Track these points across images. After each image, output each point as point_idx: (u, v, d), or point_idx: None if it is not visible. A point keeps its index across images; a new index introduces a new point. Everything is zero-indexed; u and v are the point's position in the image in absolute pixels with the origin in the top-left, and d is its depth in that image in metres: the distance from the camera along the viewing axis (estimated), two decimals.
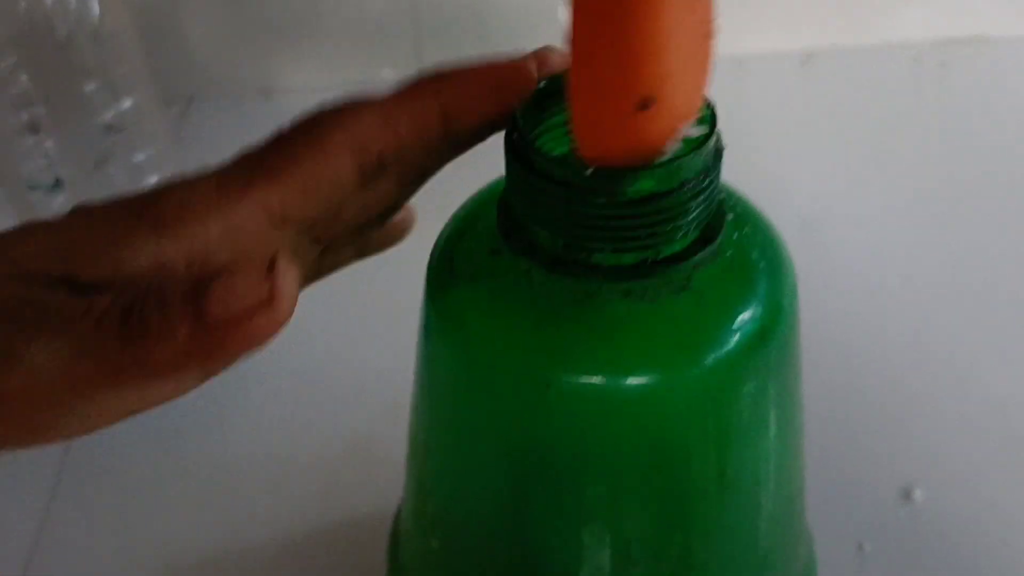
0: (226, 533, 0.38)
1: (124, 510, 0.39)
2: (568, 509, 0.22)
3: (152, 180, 0.39)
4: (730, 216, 0.22)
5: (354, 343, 0.44)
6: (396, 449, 0.39)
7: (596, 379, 0.20)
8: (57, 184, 0.37)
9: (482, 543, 0.24)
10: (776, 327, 0.22)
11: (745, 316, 0.21)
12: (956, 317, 0.44)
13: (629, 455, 0.21)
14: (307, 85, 0.61)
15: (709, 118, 0.21)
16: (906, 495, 0.36)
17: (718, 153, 0.21)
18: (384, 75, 0.61)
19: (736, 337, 0.21)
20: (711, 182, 0.21)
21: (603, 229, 0.20)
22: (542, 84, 0.21)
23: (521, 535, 0.23)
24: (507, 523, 0.23)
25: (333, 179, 0.20)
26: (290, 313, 0.18)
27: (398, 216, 0.24)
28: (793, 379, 0.23)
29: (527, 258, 0.21)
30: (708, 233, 0.21)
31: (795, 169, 0.53)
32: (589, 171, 0.19)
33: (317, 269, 0.24)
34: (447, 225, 0.24)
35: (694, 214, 0.21)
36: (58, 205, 0.38)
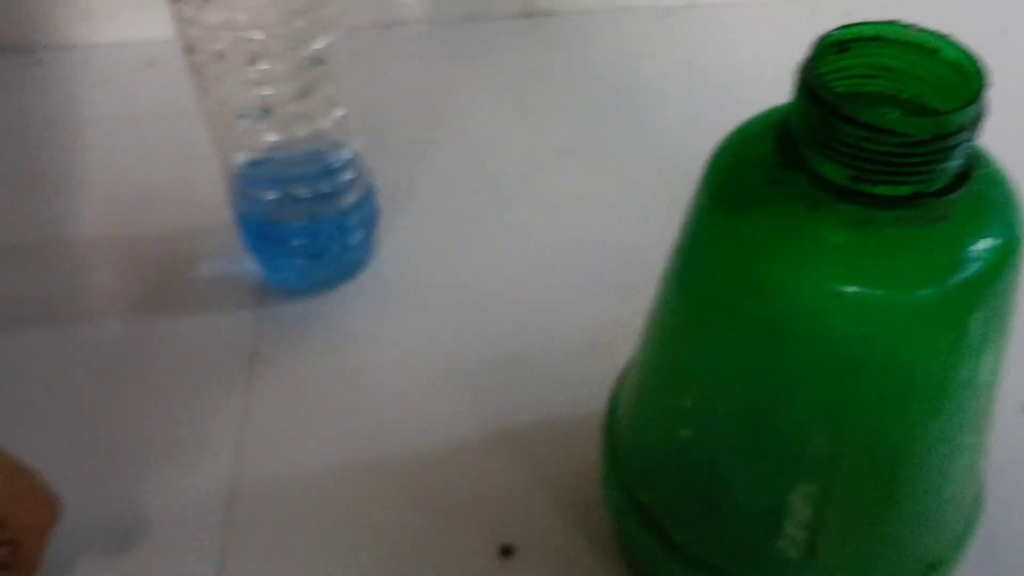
0: (390, 439, 0.42)
1: (308, 411, 0.42)
2: (829, 402, 0.26)
3: (338, 113, 0.42)
4: None
5: (502, 264, 0.48)
6: (547, 364, 0.43)
7: (874, 292, 0.24)
8: (265, 112, 0.40)
9: (739, 434, 0.28)
10: (1012, 256, 0.26)
11: (990, 244, 0.25)
12: None
13: (892, 359, 0.25)
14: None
15: (980, 75, 0.24)
16: None
17: (986, 104, 0.24)
18: None
19: (983, 262, 0.25)
20: (977, 128, 0.24)
21: (891, 164, 0.24)
22: (835, 31, 0.25)
23: (779, 428, 0.27)
24: (768, 417, 0.27)
25: None
26: None
27: None
28: (1013, 310, 0.27)
29: (816, 189, 0.24)
30: (964, 171, 0.25)
31: None
32: (890, 114, 0.23)
33: None
34: (718, 158, 0.27)
35: (961, 152, 0.24)
36: (263, 131, 0.41)
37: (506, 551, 0.37)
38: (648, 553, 0.32)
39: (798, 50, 0.26)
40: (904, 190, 0.24)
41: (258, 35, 0.37)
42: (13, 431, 0.43)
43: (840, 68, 0.26)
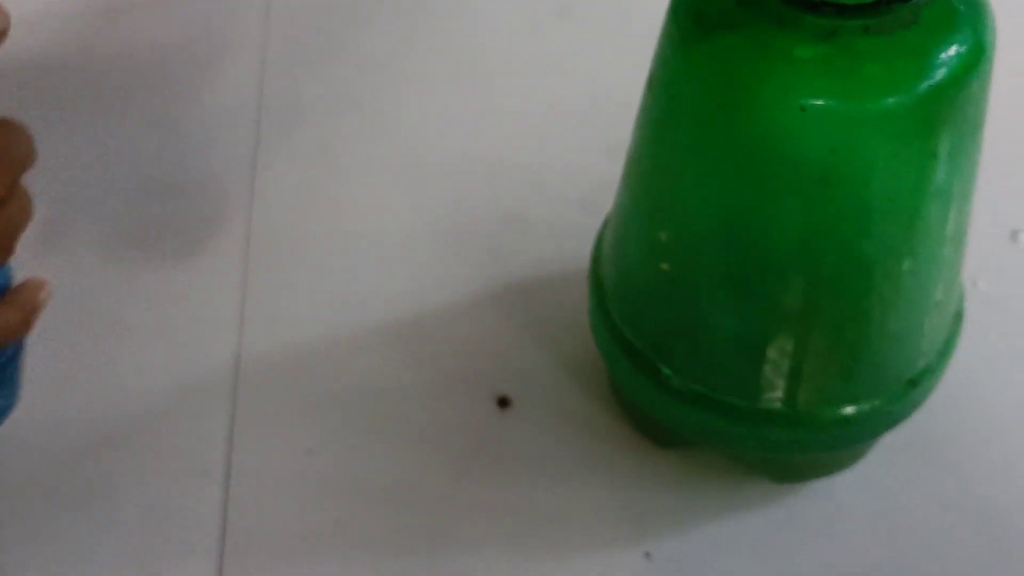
0: (386, 304, 0.42)
1: (304, 281, 0.43)
2: (806, 220, 0.27)
3: None
4: None
5: (497, 130, 0.48)
6: (539, 224, 0.44)
7: (842, 104, 0.24)
8: None
9: (716, 261, 0.29)
10: (980, 62, 0.26)
11: (958, 49, 0.25)
12: None
13: (864, 170, 0.26)
14: None
15: None
16: (1013, 237, 0.41)
17: None
18: None
19: (950, 69, 0.25)
20: None
21: None
22: None
23: (754, 252, 0.28)
24: (742, 240, 0.28)
25: None
26: None
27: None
28: (982, 120, 0.27)
29: (783, 3, 0.24)
30: None
31: None
32: None
33: None
34: None
35: None
36: None
37: (503, 402, 0.39)
38: (638, 390, 0.33)
39: None
40: None
41: None
42: None
43: None
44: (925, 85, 0.24)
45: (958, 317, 0.33)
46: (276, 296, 0.43)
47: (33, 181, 0.47)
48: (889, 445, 0.36)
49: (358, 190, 0.46)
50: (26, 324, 0.31)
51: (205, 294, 0.43)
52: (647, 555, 0.35)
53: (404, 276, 0.43)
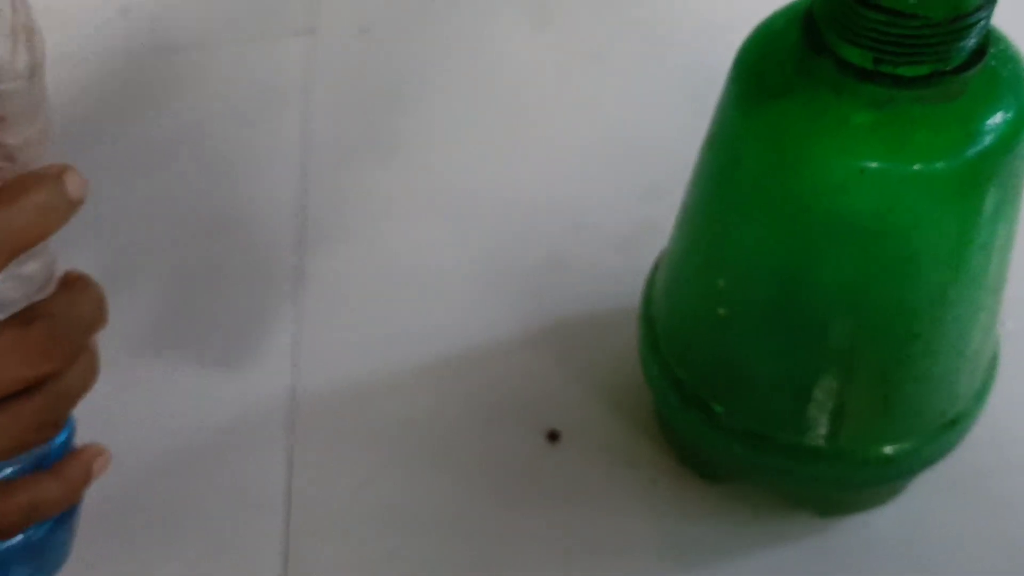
0: (436, 341, 0.44)
1: (357, 318, 0.45)
2: (856, 271, 0.28)
3: None
4: None
5: (535, 174, 0.50)
6: (582, 264, 0.46)
7: (895, 166, 0.26)
8: None
9: (771, 307, 0.30)
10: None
11: (1003, 117, 0.27)
12: None
13: (913, 227, 0.27)
14: None
15: None
16: None
17: None
18: None
19: (996, 135, 0.27)
20: (992, 6, 0.26)
21: (911, 45, 0.25)
22: None
23: (807, 300, 0.30)
24: (797, 289, 0.30)
25: None
26: None
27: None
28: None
29: (841, 73, 0.26)
30: (979, 49, 0.27)
31: None
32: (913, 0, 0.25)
33: None
34: (746, 50, 0.29)
35: (977, 31, 0.26)
36: None
37: (552, 436, 0.40)
38: (689, 426, 0.35)
39: None
40: (923, 69, 0.26)
41: None
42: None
43: None
44: (973, 151, 0.26)
45: (994, 360, 0.34)
46: (329, 333, 0.44)
47: (91, 222, 0.49)
48: (926, 480, 0.37)
49: (406, 232, 0.48)
50: (66, 499, 0.28)
51: (260, 331, 0.44)
52: None
53: (451, 314, 0.45)
